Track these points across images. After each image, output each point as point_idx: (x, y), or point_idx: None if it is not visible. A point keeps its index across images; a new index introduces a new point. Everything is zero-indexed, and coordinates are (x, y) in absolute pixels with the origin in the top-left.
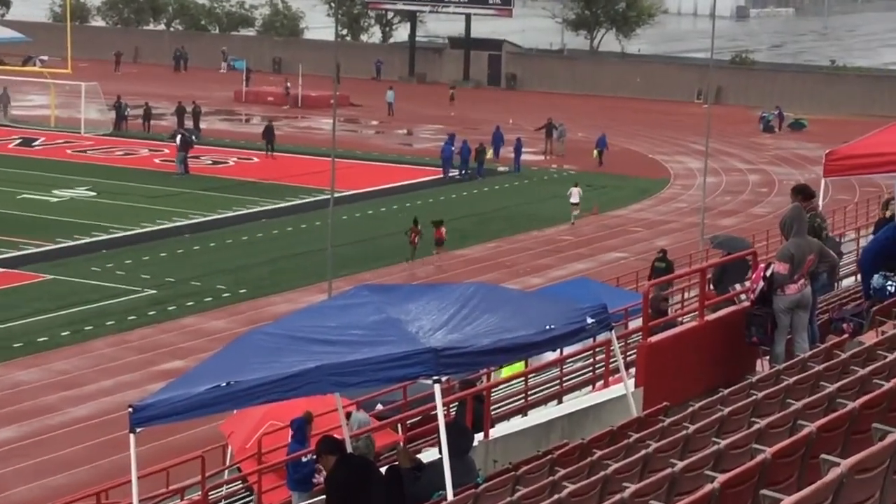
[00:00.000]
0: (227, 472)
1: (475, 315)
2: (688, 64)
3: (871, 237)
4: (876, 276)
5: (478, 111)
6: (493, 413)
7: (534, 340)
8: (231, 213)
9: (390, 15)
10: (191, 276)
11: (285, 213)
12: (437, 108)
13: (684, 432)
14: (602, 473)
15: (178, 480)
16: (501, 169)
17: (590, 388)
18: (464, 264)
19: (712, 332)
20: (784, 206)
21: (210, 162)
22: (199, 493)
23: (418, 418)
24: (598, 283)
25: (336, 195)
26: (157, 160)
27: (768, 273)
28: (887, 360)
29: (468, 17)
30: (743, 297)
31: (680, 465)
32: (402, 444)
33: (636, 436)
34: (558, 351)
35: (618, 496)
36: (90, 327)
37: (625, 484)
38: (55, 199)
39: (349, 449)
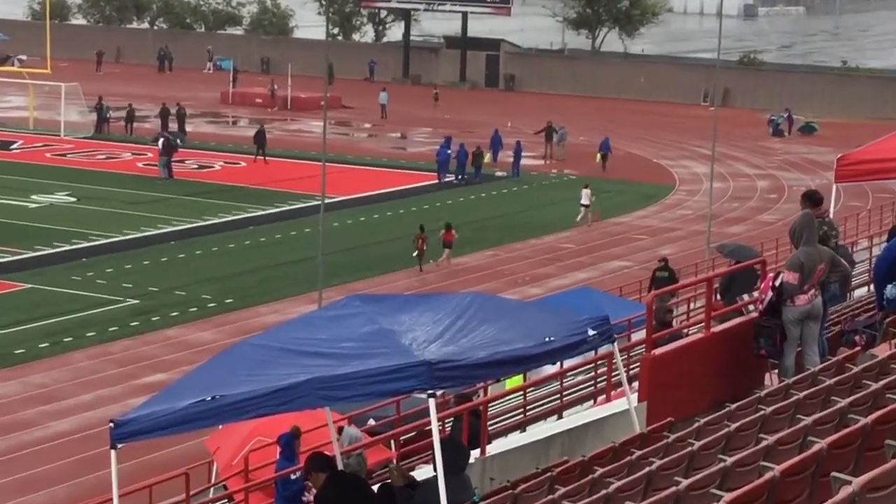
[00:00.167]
0: (212, 490)
1: (471, 326)
2: (693, 64)
3: (884, 245)
4: (889, 286)
5: (475, 113)
6: (490, 428)
7: (533, 353)
8: (217, 220)
9: (383, 13)
10: (175, 285)
11: (274, 219)
12: (431, 110)
13: (689, 449)
14: (604, 492)
15: (162, 499)
16: (499, 174)
17: (591, 402)
18: (460, 273)
19: (719, 345)
20: (794, 212)
21: (195, 166)
22: None
23: (412, 434)
24: (599, 292)
25: (327, 201)
26: (140, 164)
27: (777, 283)
28: None
29: (465, 16)
30: (751, 307)
31: (685, 482)
32: (395, 460)
33: (639, 452)
34: (558, 364)
35: None
36: (70, 339)
37: (627, 503)
38: (34, 205)
39: (340, 466)
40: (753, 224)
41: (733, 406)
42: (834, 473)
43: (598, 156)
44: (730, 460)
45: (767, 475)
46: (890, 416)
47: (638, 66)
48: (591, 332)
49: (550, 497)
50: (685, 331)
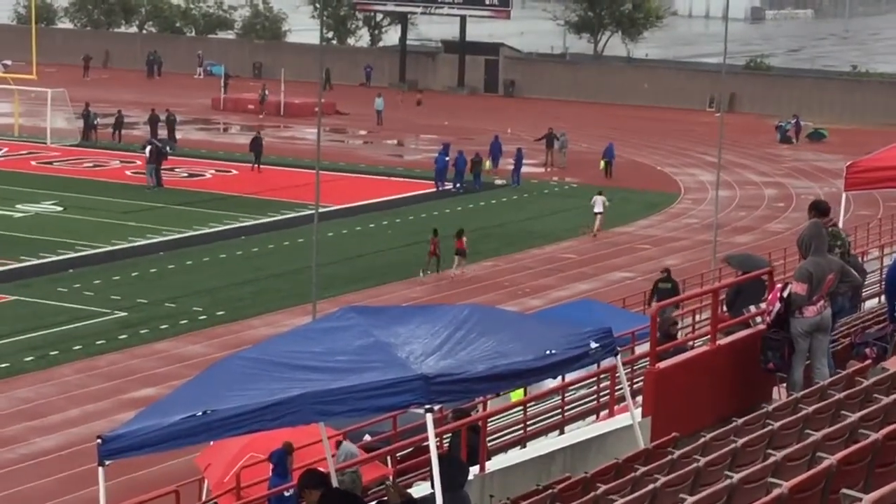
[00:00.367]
0: None
1: (470, 339)
2: (699, 69)
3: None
4: None
5: (474, 120)
6: (489, 444)
7: (533, 366)
8: (208, 230)
9: (379, 17)
10: (165, 297)
11: (266, 229)
12: (429, 116)
13: (695, 465)
14: None
15: None
16: (499, 182)
17: (593, 417)
18: (458, 285)
19: (725, 358)
20: (802, 221)
21: (186, 174)
22: None
23: (409, 450)
24: (602, 304)
25: (321, 210)
26: (128, 172)
27: (785, 294)
28: None
29: (463, 19)
30: (758, 319)
31: (690, 500)
32: (391, 477)
33: (643, 469)
34: (559, 378)
35: None
36: (56, 352)
37: None
38: (19, 215)
39: (335, 483)
40: (761, 233)
41: (740, 421)
42: (844, 490)
43: (602, 163)
44: (737, 477)
45: (775, 492)
46: None
47: (641, 71)
48: (593, 345)
49: None
50: (690, 343)
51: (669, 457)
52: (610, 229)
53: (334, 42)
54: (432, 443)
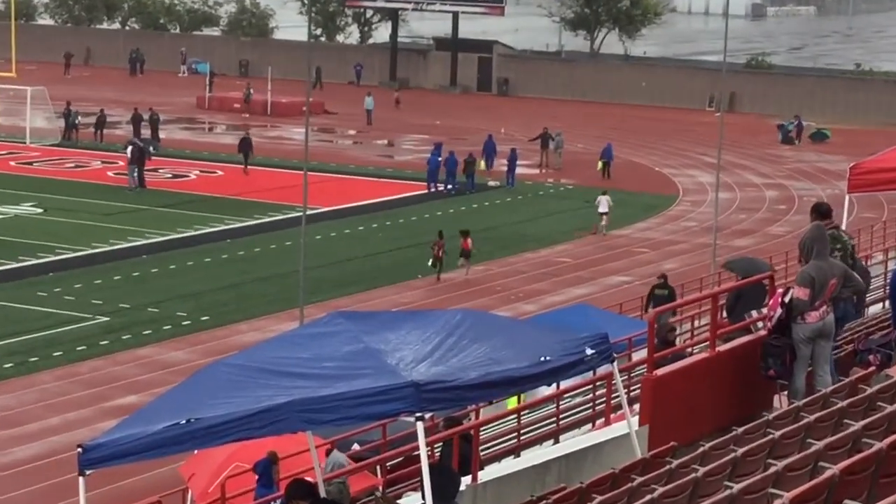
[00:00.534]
0: None
1: (462, 345)
2: (698, 68)
3: None
4: None
5: (466, 119)
6: (482, 454)
7: (527, 373)
8: (193, 232)
9: (369, 13)
10: (148, 301)
11: (252, 231)
12: (421, 116)
13: (693, 475)
14: None
15: None
16: (492, 183)
17: (589, 426)
18: (449, 289)
19: (725, 365)
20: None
21: (169, 175)
22: None
23: (399, 459)
24: (598, 309)
25: (309, 212)
26: (110, 173)
27: (787, 299)
28: None
29: (455, 16)
30: (759, 325)
31: None
32: (380, 488)
33: (640, 479)
34: (554, 385)
35: None
36: (36, 358)
37: None
38: None
39: (323, 493)
40: (762, 236)
41: (740, 430)
42: (847, 501)
43: (600, 163)
44: (736, 487)
45: (776, 503)
46: None
47: (639, 69)
48: (589, 352)
49: None
50: (689, 350)
51: (667, 466)
52: (607, 232)
53: (323, 39)
54: (423, 452)
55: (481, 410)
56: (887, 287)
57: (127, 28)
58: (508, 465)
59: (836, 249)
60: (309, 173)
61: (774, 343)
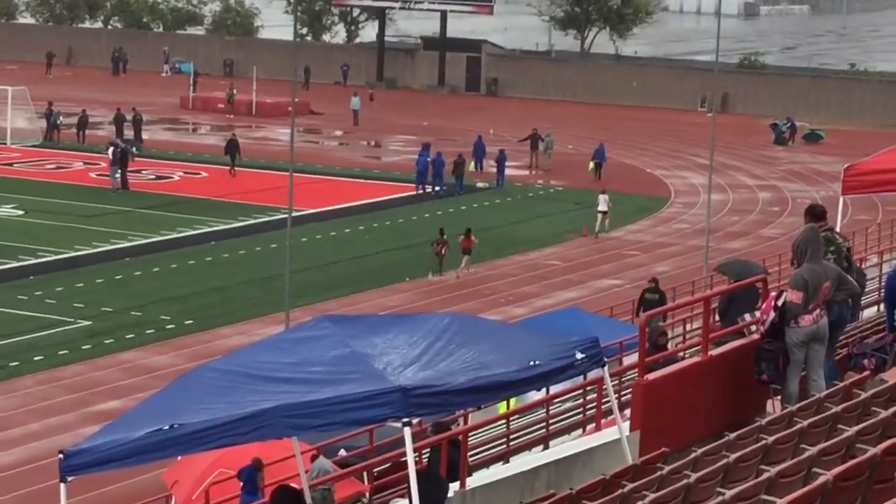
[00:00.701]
0: None
1: (450, 349)
2: (690, 68)
3: None
4: None
5: (455, 120)
6: (470, 460)
7: (516, 378)
8: (176, 235)
9: (356, 12)
10: (131, 305)
11: (237, 234)
12: (408, 116)
13: (685, 481)
14: None
15: None
16: (481, 185)
17: (579, 431)
18: (438, 292)
19: (717, 369)
20: (798, 226)
21: (153, 177)
22: None
23: (386, 466)
24: (589, 313)
25: (295, 214)
26: (92, 175)
27: (780, 302)
28: None
29: (444, 15)
30: (752, 329)
31: None
32: (367, 494)
33: (631, 485)
34: (544, 390)
35: None
36: (17, 363)
37: None
38: None
39: (308, 500)
40: (755, 239)
41: (733, 435)
42: None
43: (592, 164)
44: (729, 494)
45: None
46: None
47: (630, 69)
48: (579, 356)
49: None
50: (681, 354)
51: (659, 473)
52: (606, 231)
53: (309, 39)
54: (410, 458)
55: (470, 415)
56: (882, 290)
57: (109, 27)
58: (497, 471)
59: (830, 252)
60: (294, 174)
61: (767, 347)
